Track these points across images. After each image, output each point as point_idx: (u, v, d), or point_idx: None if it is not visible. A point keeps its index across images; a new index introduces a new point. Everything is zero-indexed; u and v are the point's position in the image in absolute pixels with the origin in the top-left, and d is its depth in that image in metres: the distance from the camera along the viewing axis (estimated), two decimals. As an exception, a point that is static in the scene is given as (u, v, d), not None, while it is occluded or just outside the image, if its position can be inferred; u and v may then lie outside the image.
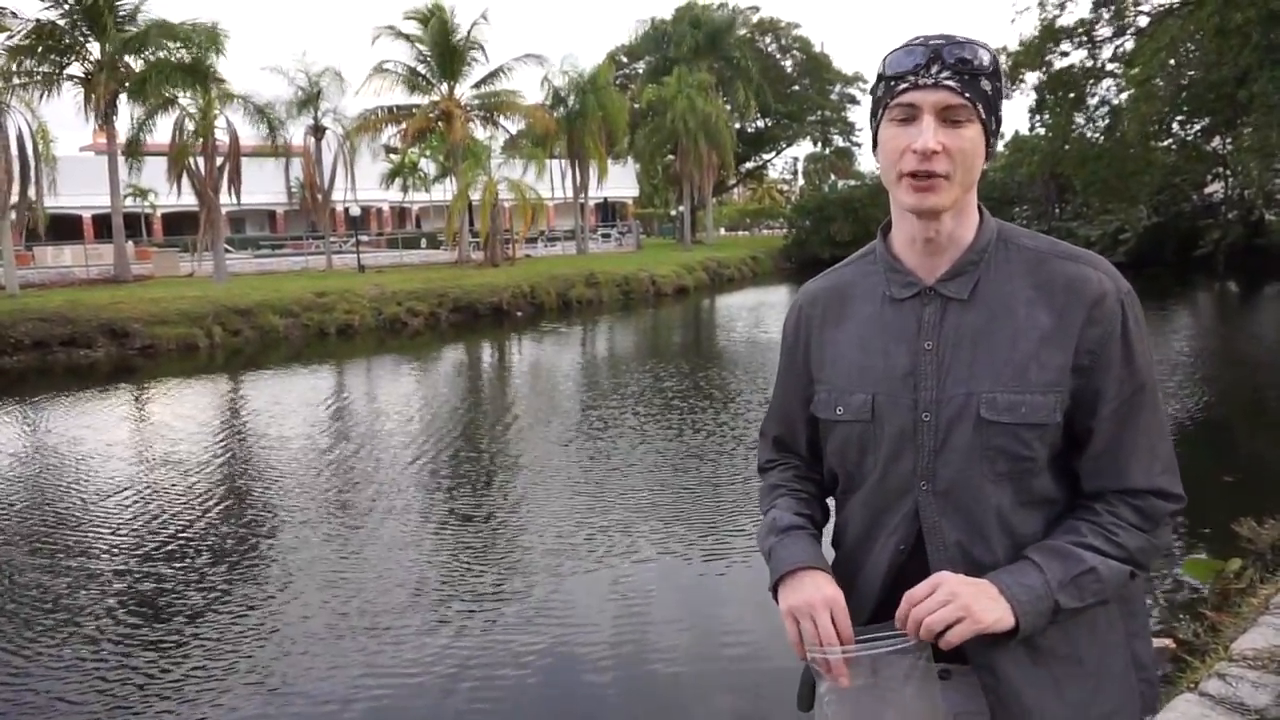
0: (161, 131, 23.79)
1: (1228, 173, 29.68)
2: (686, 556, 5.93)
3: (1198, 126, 26.75)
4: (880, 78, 1.17)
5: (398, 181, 36.40)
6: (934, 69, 1.12)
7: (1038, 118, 28.75)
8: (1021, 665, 1.14)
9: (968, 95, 1.11)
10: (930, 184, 1.13)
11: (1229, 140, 24.63)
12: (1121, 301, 1.15)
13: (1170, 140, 27.44)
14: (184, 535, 6.62)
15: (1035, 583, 1.10)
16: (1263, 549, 4.45)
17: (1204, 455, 8.00)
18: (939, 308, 1.19)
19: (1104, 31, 25.90)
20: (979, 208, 1.22)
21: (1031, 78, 27.00)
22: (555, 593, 5.37)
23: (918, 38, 1.16)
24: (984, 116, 1.13)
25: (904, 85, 1.13)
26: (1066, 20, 25.45)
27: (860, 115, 54.45)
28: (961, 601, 1.07)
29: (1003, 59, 24.17)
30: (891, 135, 1.15)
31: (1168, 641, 3.64)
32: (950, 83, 1.11)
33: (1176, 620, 3.88)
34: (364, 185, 31.91)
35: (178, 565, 6.00)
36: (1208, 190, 31.45)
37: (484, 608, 5.21)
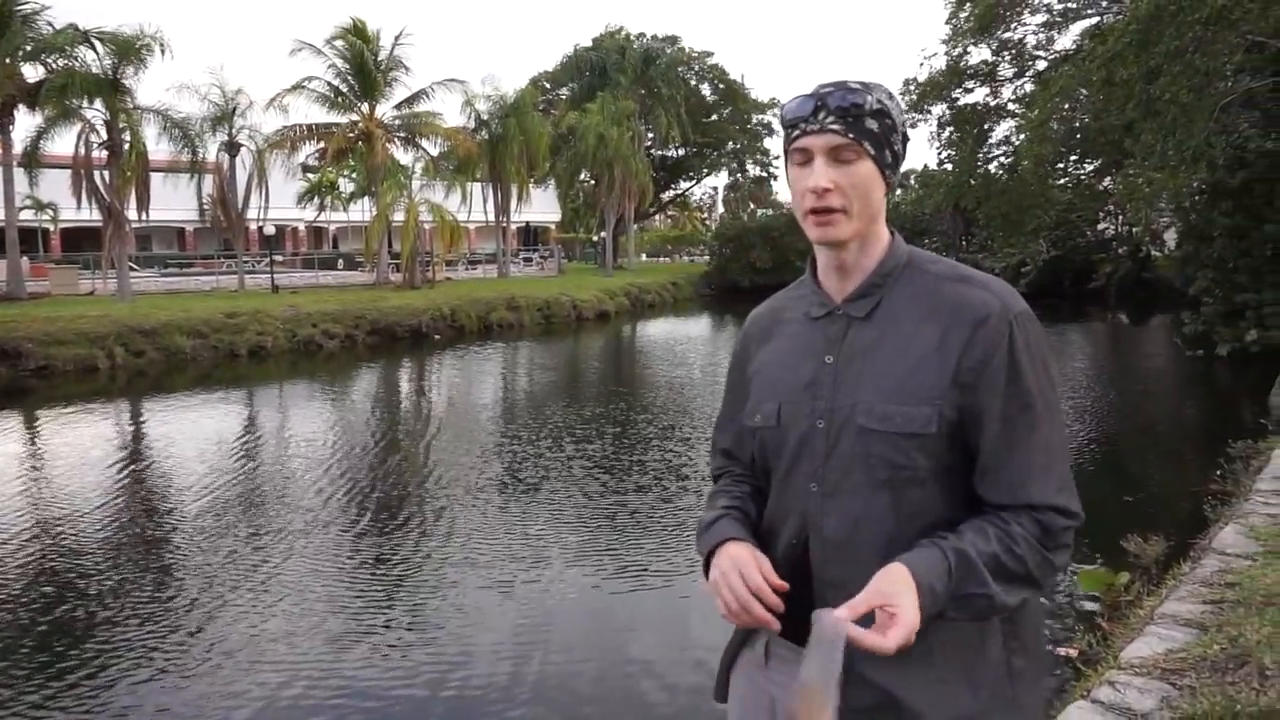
0: (65, 143, 22.79)
1: (1118, 211, 31.52)
2: (599, 585, 5.95)
3: (1090, 167, 28.39)
4: (782, 124, 1.29)
5: (314, 201, 35.60)
6: (820, 115, 1.22)
7: (940, 149, 30.09)
8: (879, 667, 1.17)
9: (852, 135, 1.21)
10: (829, 218, 1.23)
11: (1118, 181, 26.21)
12: (1010, 322, 1.21)
13: (1066, 179, 29.03)
14: (67, 572, 6.31)
15: (940, 589, 1.13)
16: (1148, 563, 4.75)
17: (1099, 474, 8.45)
18: (844, 326, 1.29)
19: (1006, 72, 27.40)
20: (892, 236, 1.31)
21: (937, 109, 28.32)
22: (461, 623, 5.31)
23: (813, 89, 1.26)
24: (873, 153, 1.22)
25: (797, 132, 1.24)
26: (972, 60, 26.76)
27: (777, 144, 55.68)
28: (907, 622, 1.09)
29: (911, 89, 25.24)
30: (794, 177, 1.26)
31: (1070, 650, 3.85)
32: (834, 126, 1.21)
33: (1074, 630, 4.10)
34: (279, 204, 31.08)
35: (60, 606, 5.72)
36: (1100, 227, 33.31)
37: (391, 639, 5.12)
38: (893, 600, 1.10)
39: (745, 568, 1.24)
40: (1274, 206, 14.19)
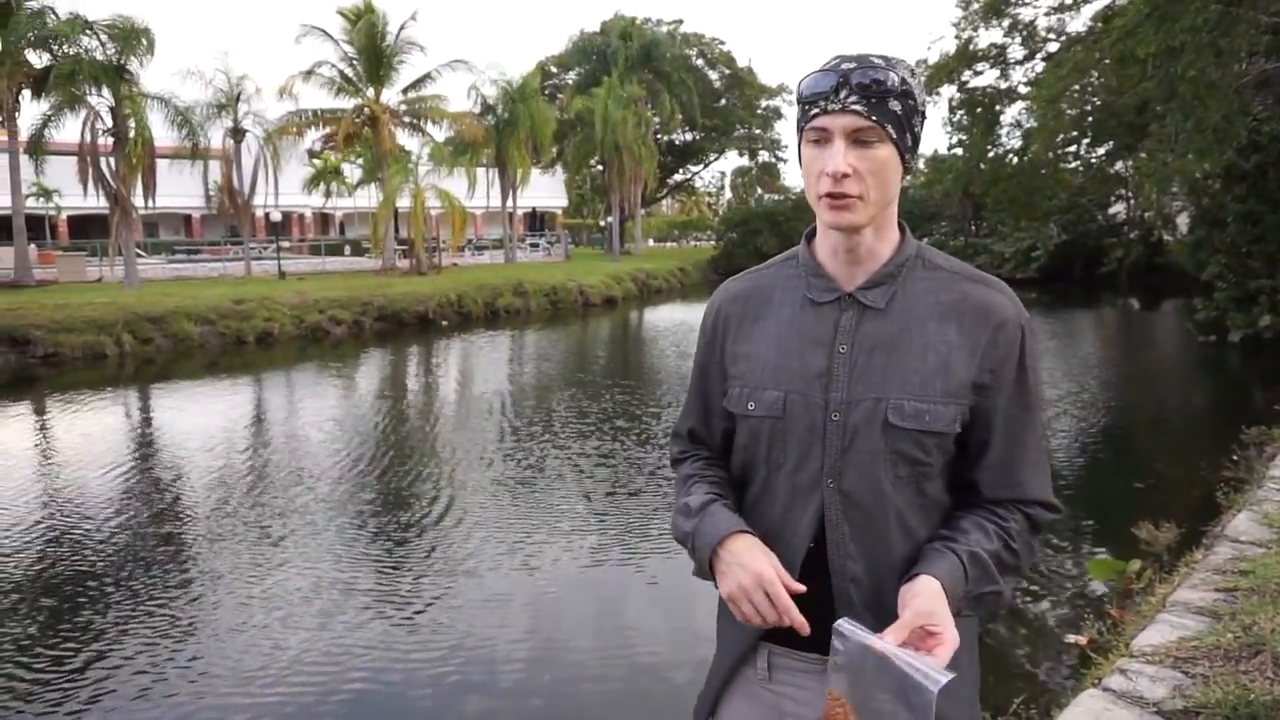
0: (70, 130, 22.79)
1: (1130, 195, 31.23)
2: (607, 568, 5.93)
3: (1102, 150, 28.12)
4: (798, 100, 1.21)
5: (320, 187, 35.57)
6: (842, 94, 1.14)
7: (951, 133, 29.82)
8: None
9: (875, 118, 1.14)
10: (845, 203, 1.16)
11: (1130, 164, 26.03)
12: (1022, 327, 1.23)
13: (1077, 162, 28.75)
14: (86, 556, 6.33)
15: (960, 593, 1.17)
16: (1160, 551, 4.71)
17: (1110, 462, 8.38)
18: (856, 314, 1.24)
19: (1016, 54, 27.13)
20: (901, 225, 1.27)
21: (947, 91, 28.08)
22: (470, 607, 5.31)
23: (832, 60, 1.18)
24: (895, 136, 1.16)
25: (815, 110, 1.16)
26: (981, 43, 26.47)
27: (785, 129, 55.47)
28: (952, 640, 1.10)
29: (920, 71, 25.17)
30: (809, 157, 1.19)
31: (1080, 638, 3.82)
32: (857, 107, 1.14)
33: (1084, 618, 4.06)
34: (286, 190, 31.07)
35: (80, 585, 5.73)
36: (1111, 211, 33.02)
37: (400, 621, 5.12)
38: (935, 620, 1.10)
39: (769, 584, 1.16)
40: (1288, 190, 14.03)
